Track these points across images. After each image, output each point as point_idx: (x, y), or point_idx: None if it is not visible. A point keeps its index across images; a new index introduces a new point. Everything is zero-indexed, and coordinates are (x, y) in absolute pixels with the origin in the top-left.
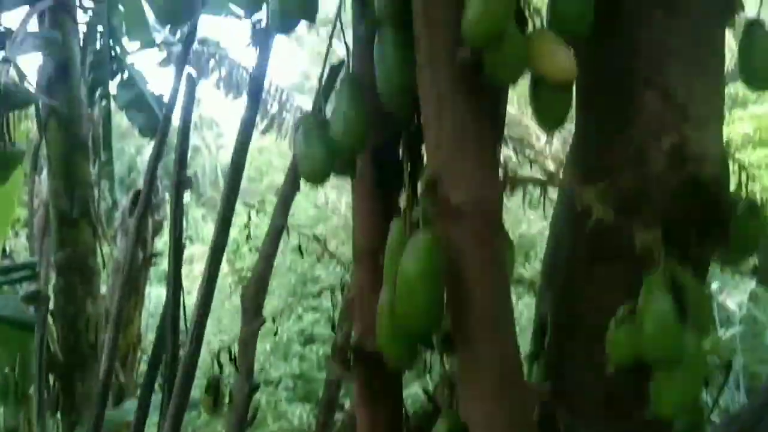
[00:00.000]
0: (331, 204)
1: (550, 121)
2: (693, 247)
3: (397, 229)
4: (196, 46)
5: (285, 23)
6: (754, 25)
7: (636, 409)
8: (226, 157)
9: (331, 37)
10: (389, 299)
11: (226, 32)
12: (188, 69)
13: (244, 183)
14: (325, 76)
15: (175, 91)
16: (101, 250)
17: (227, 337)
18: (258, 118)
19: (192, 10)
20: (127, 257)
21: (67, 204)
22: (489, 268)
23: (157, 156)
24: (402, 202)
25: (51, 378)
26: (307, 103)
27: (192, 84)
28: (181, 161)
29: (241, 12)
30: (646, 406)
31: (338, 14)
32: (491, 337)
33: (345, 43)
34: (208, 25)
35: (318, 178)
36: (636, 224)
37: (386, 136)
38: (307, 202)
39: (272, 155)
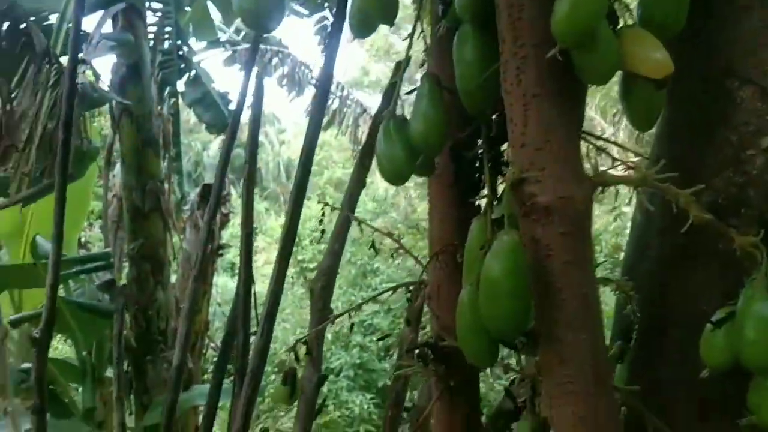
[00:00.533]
0: (389, 198)
1: (644, 120)
2: None
3: (478, 227)
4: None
5: (364, 27)
6: None
7: (733, 416)
8: (288, 152)
9: (411, 36)
10: (471, 298)
11: (288, 30)
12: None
13: None
14: (401, 75)
15: (244, 89)
16: (171, 242)
17: (289, 325)
18: None
19: (280, 16)
20: (198, 250)
21: (139, 197)
22: (577, 268)
23: (227, 153)
24: (479, 198)
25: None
26: (366, 99)
27: (261, 84)
28: (251, 163)
29: (303, 10)
30: (744, 413)
31: (418, 13)
32: (581, 338)
33: (424, 40)
34: None
35: (400, 180)
36: (734, 226)
37: (465, 133)
38: (365, 195)
39: (333, 150)
